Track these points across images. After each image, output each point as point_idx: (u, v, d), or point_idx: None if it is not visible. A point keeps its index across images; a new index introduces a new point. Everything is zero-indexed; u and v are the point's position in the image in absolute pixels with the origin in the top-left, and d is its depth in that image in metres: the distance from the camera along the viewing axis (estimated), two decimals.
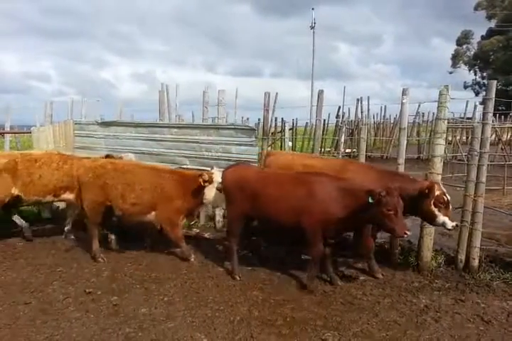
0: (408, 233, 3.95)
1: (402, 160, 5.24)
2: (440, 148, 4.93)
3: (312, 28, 32.48)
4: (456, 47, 45.89)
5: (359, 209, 4.09)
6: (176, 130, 6.94)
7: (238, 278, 4.78)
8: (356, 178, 4.57)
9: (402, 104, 5.40)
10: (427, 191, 4.39)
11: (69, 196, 5.92)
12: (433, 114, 16.87)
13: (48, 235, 6.37)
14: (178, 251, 5.50)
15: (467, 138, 15.23)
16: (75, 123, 7.95)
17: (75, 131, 7.89)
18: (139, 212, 5.33)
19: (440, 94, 4.85)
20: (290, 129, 14.09)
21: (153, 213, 5.32)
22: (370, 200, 3.94)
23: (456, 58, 45.90)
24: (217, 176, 5.08)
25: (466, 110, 16.73)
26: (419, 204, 4.43)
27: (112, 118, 8.08)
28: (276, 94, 11.12)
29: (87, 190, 5.41)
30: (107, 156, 6.18)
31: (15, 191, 5.76)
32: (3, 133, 11.03)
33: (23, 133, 11.56)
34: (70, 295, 4.32)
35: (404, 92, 5.36)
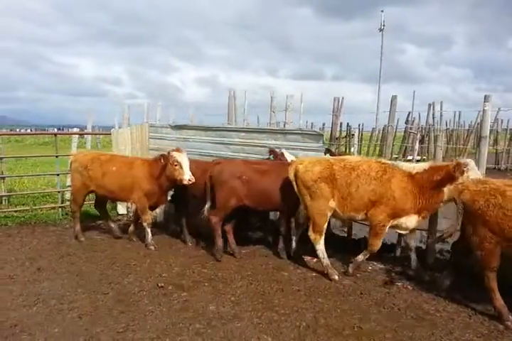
0: None
1: (482, 171, 4.94)
2: None
3: (381, 30, 31.38)
4: None
5: None
6: (243, 134, 7.08)
7: None
8: None
9: (484, 111, 5.10)
10: None
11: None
12: None
13: (123, 230, 6.77)
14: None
15: None
16: (150, 126, 8.41)
17: (150, 134, 8.34)
18: None
19: None
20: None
21: None
22: None
23: None
24: None
25: None
26: None
27: (183, 122, 8.45)
28: (342, 98, 10.93)
29: (477, 223, 4.06)
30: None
31: (332, 204, 4.95)
32: (85, 134, 11.94)
33: (103, 134, 12.43)
34: (143, 288, 4.57)
35: (486, 99, 5.07)
